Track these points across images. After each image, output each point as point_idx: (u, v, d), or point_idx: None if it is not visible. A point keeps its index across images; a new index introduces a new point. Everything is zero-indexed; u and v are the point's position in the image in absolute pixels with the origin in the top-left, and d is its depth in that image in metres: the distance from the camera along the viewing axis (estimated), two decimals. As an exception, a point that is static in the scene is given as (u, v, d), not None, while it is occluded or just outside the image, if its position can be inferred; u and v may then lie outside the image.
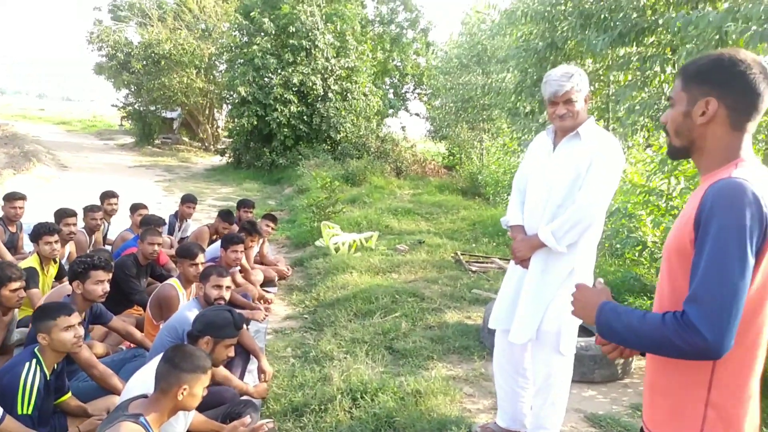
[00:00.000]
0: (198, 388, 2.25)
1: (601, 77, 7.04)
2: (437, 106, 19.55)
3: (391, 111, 26.71)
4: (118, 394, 3.00)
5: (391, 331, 4.56)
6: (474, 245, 7.92)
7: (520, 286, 2.76)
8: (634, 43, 6.03)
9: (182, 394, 2.20)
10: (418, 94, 29.02)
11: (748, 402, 1.35)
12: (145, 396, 2.33)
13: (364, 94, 18.80)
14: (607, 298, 1.43)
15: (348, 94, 18.16)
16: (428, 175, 16.53)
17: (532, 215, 2.74)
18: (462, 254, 7.13)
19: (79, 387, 3.20)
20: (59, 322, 2.68)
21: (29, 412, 2.56)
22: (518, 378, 2.95)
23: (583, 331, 3.84)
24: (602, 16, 6.14)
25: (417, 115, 29.19)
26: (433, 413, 3.20)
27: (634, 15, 5.93)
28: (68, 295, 3.42)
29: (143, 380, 2.56)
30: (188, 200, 6.88)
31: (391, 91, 28.10)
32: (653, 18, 5.73)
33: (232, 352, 2.91)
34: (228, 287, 3.55)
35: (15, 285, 3.31)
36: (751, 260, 1.21)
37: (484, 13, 12.47)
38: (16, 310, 3.72)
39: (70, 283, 3.40)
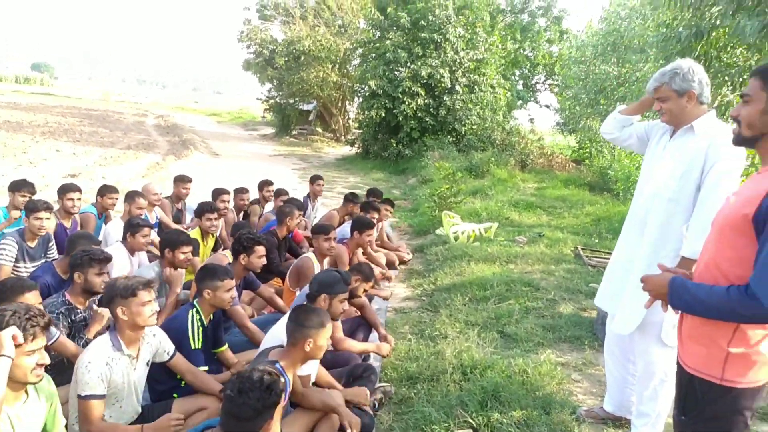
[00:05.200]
0: (321, 340, 2.67)
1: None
2: (568, 97, 18.86)
3: (519, 103, 26.22)
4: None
5: (504, 316, 4.74)
6: (597, 241, 7.74)
7: (628, 270, 2.80)
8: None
9: (309, 346, 2.64)
10: (549, 84, 28.17)
11: (758, 347, 1.71)
12: (281, 346, 2.80)
13: (492, 87, 18.71)
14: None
15: (475, 87, 18.19)
16: (554, 169, 16.11)
17: (638, 207, 2.80)
18: (583, 249, 7.04)
19: (231, 341, 3.81)
20: (225, 284, 3.26)
21: (199, 347, 3.16)
22: (628, 365, 3.00)
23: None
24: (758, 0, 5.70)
25: (547, 106, 28.38)
26: (538, 392, 3.37)
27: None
28: (229, 263, 4.05)
29: (275, 335, 3.04)
30: (317, 179, 7.58)
31: (521, 82, 27.56)
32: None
33: (346, 306, 3.36)
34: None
35: (186, 249, 4.00)
36: None
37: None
38: (183, 271, 4.44)
39: (235, 256, 4.00)
